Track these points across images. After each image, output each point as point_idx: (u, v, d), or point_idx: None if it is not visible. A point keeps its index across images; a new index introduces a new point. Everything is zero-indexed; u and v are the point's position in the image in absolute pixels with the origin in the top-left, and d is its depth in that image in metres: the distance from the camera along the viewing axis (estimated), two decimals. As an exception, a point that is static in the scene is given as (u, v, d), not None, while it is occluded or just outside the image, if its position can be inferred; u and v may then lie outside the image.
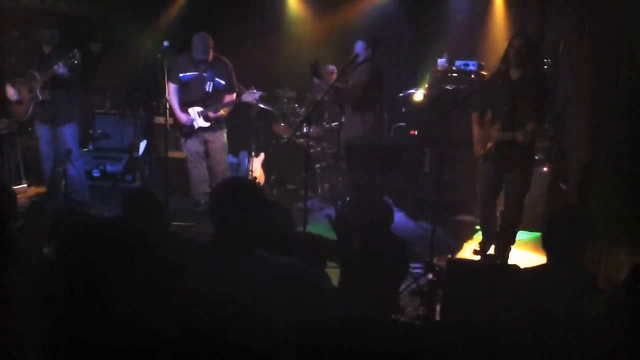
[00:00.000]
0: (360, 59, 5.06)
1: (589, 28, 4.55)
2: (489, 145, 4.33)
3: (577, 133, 4.73)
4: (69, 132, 5.55)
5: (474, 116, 4.49)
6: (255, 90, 5.45)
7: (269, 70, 7.38)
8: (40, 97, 5.37)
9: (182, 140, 5.62)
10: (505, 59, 4.31)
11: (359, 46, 5.08)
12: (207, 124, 5.42)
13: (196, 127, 5.41)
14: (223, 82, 5.46)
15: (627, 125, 3.58)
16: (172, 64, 5.29)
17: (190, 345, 1.92)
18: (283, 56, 7.60)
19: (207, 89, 5.43)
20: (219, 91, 5.47)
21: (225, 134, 5.64)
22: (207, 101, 5.44)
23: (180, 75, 5.45)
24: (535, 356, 2.36)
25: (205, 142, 5.55)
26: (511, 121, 4.22)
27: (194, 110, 5.41)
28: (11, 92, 5.42)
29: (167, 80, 5.21)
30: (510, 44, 4.29)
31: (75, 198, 5.50)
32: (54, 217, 2.72)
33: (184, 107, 5.46)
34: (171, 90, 5.39)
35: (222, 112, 5.49)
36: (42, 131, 5.60)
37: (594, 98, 4.25)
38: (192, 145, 5.54)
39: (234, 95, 5.55)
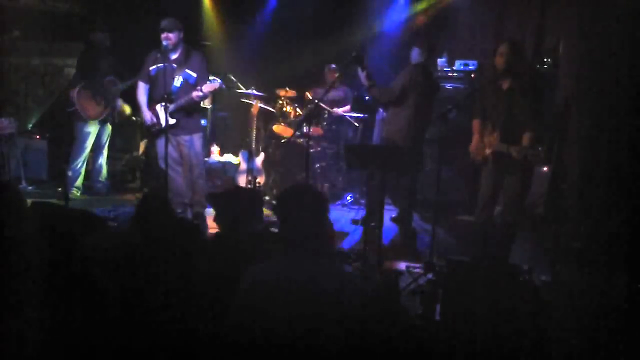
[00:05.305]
0: (413, 62, 5.02)
1: (589, 28, 4.55)
2: (488, 152, 4.28)
3: (577, 133, 4.74)
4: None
5: (475, 124, 4.44)
6: (217, 79, 4.95)
7: (269, 70, 7.38)
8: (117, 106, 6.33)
9: (156, 141, 5.12)
10: (493, 67, 4.19)
11: (415, 53, 5.02)
12: (173, 121, 4.85)
13: (164, 125, 4.77)
14: (194, 75, 4.93)
15: (627, 126, 3.59)
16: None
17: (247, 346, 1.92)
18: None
19: (176, 83, 4.92)
20: (189, 85, 4.91)
21: (201, 138, 5.18)
22: (176, 96, 4.89)
23: (151, 68, 4.99)
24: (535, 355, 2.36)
25: (177, 146, 5.02)
26: (508, 130, 4.14)
27: (161, 108, 4.88)
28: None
29: (138, 79, 5.08)
30: (496, 52, 4.16)
31: (97, 188, 6.37)
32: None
33: (152, 103, 5.02)
34: (140, 89, 5.06)
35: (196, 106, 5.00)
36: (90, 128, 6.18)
37: (594, 98, 4.25)
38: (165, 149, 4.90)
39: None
